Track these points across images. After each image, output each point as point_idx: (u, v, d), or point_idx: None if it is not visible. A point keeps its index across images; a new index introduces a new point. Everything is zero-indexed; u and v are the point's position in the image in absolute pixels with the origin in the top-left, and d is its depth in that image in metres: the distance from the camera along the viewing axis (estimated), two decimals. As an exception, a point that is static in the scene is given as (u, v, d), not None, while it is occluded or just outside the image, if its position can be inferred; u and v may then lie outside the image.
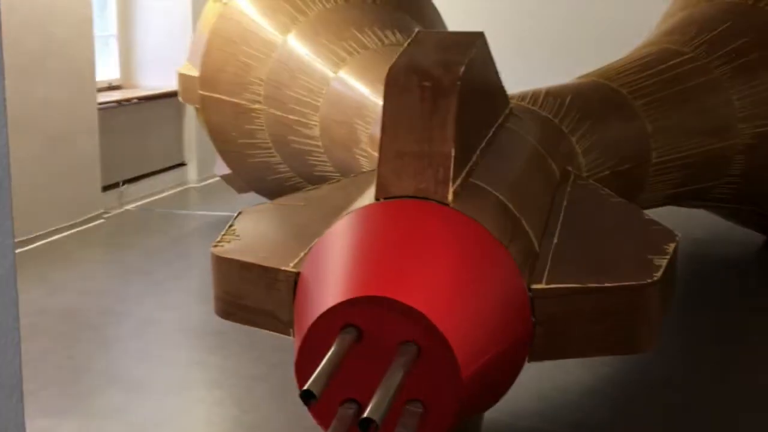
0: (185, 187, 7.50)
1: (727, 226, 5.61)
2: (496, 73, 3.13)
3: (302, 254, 2.51)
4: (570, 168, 3.52)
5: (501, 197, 2.58)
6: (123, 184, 6.74)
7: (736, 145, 4.47)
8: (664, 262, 2.49)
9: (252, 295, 2.54)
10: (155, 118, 7.28)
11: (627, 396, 3.47)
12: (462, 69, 2.45)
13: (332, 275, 2.20)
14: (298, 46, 5.25)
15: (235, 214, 2.96)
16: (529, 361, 2.40)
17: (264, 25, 5.45)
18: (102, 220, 6.22)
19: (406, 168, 2.37)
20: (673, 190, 4.39)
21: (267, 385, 3.56)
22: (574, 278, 2.39)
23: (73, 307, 4.47)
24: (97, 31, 6.77)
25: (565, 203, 3.06)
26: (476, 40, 2.70)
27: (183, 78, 5.93)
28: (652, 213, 3.56)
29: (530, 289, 2.34)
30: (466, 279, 2.17)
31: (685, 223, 5.62)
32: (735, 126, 4.46)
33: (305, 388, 1.80)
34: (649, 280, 2.39)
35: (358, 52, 4.97)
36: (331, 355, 1.96)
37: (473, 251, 2.27)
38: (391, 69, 2.48)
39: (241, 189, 6.27)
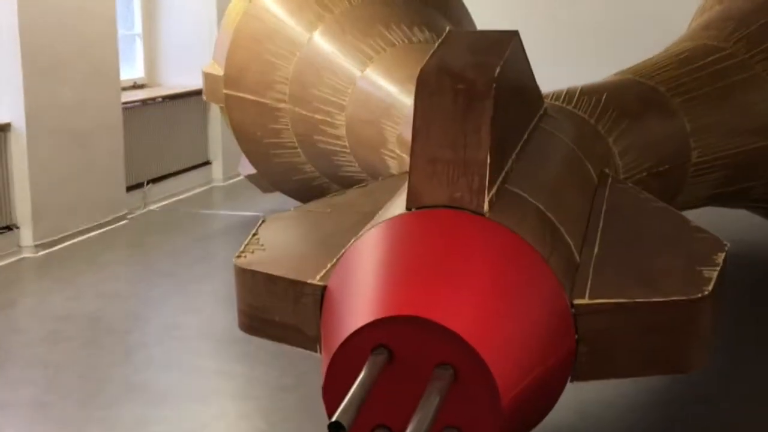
0: (210, 186, 7.42)
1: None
2: (531, 72, 2.99)
3: (329, 266, 2.39)
4: (607, 170, 3.37)
5: (539, 205, 2.44)
6: (147, 184, 6.67)
7: (779, 143, 4.29)
8: (714, 274, 2.35)
9: (277, 310, 2.42)
10: (180, 117, 7.20)
11: (675, 411, 3.31)
12: (497, 71, 2.31)
13: (361, 291, 2.08)
14: (323, 44, 5.12)
15: (259, 222, 2.85)
16: (571, 381, 2.26)
17: (289, 22, 5.33)
18: (126, 221, 6.14)
19: (439, 176, 2.24)
20: (714, 191, 4.21)
21: (296, 397, 3.44)
22: (619, 292, 2.25)
23: (96, 313, 4.39)
24: (122, 30, 6.70)
25: (604, 209, 2.92)
26: (511, 40, 2.56)
27: (208, 77, 5.83)
28: (692, 213, 3.41)
29: (573, 305, 2.21)
30: (506, 296, 2.04)
31: (727, 223, 5.44)
32: (778, 124, 4.27)
33: (334, 419, 1.68)
34: (700, 295, 2.25)
35: (384, 50, 4.84)
36: (361, 380, 1.84)
37: (512, 265, 2.14)
38: (422, 71, 2.35)
39: (266, 189, 6.17)
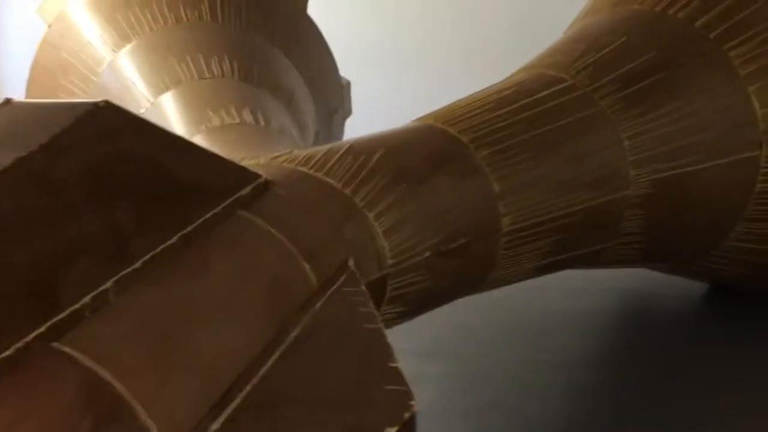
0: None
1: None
2: (200, 151, 2.19)
3: None
4: (351, 261, 2.57)
5: (103, 372, 1.63)
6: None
7: (628, 197, 3.48)
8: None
9: None
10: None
11: None
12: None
13: None
14: (113, 79, 4.33)
15: None
16: None
17: (84, 52, 4.54)
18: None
19: None
20: (546, 260, 3.40)
21: None
22: None
23: None
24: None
25: (294, 334, 2.11)
26: (75, 117, 1.73)
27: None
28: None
29: None
30: None
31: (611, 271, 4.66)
32: (626, 173, 3.47)
33: None
34: None
35: (168, 88, 4.04)
36: None
37: None
38: None
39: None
